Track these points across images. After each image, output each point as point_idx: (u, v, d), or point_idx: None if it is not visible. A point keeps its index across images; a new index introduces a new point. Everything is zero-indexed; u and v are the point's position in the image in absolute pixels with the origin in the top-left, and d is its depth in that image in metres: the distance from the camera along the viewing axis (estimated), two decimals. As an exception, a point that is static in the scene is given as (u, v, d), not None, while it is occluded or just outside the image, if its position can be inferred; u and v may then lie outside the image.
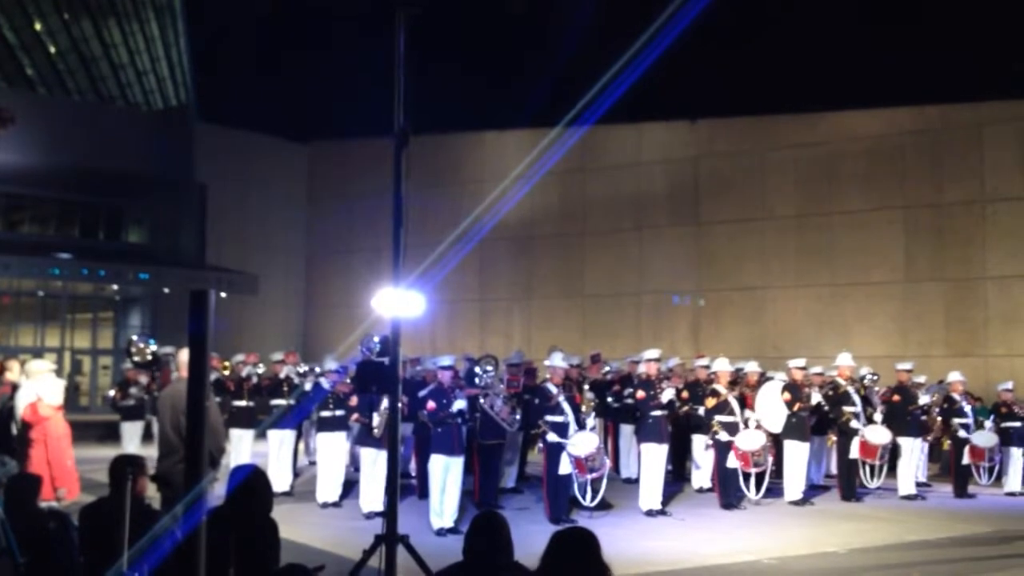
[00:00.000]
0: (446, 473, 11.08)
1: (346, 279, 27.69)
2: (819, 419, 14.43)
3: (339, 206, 27.82)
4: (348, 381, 12.61)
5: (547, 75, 18.01)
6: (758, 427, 13.44)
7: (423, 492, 12.46)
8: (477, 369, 12.90)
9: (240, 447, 14.24)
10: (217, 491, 6.00)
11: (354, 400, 12.31)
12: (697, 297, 21.61)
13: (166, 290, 26.71)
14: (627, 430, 15.21)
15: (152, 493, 6.87)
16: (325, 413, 12.83)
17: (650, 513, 12.38)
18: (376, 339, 8.76)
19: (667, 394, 12.66)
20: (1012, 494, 14.90)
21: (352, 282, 26.87)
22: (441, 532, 10.83)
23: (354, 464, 14.29)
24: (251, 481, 5.52)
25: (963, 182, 20.29)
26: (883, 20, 20.09)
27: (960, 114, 20.37)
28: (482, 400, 12.48)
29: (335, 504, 12.76)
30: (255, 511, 5.46)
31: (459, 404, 11.15)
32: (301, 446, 16.05)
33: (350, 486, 13.18)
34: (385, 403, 11.04)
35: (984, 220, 20.01)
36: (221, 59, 30.57)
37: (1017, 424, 14.60)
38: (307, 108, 26.21)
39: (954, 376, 15.59)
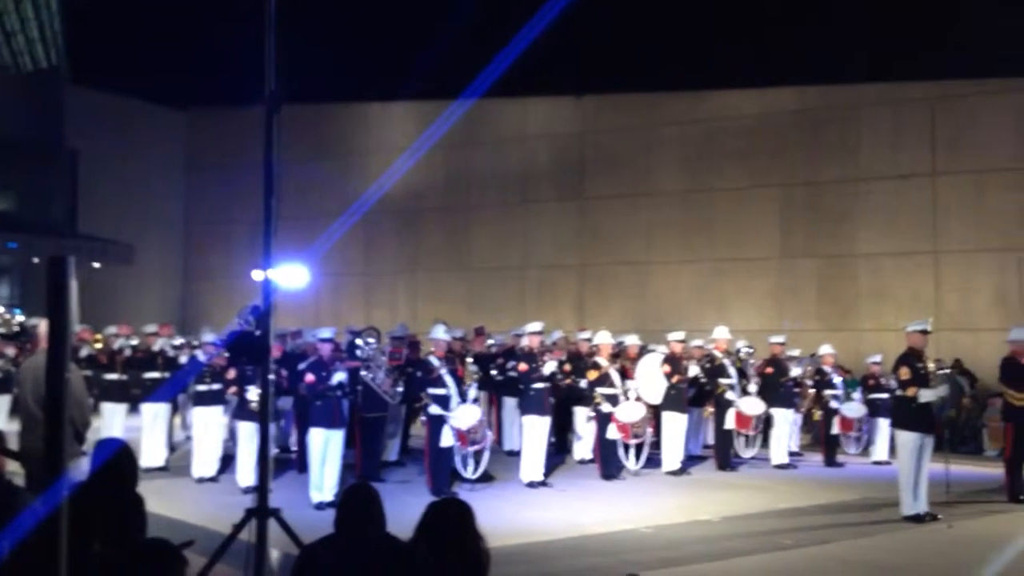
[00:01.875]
0: (326, 446, 10.97)
1: (226, 250, 27.10)
2: (697, 391, 14.75)
3: (219, 175, 27.14)
4: (225, 354, 12.35)
5: (433, 47, 17.82)
6: (638, 399, 13.67)
7: (304, 466, 12.31)
8: (359, 341, 12.79)
9: (113, 421, 13.87)
10: (83, 466, 5.81)
11: (232, 373, 12.08)
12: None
13: (35, 259, 25.70)
14: (510, 403, 15.29)
15: (16, 468, 6.61)
16: (201, 387, 12.59)
17: (532, 484, 12.49)
18: (258, 309, 8.58)
19: (549, 367, 12.77)
20: (878, 463, 15.50)
21: (232, 253, 26.32)
22: (320, 506, 10.71)
23: (232, 438, 14.03)
24: (117, 456, 5.36)
25: (838, 161, 20.90)
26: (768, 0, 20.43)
27: (838, 95, 20.94)
28: (364, 373, 12.39)
29: (211, 479, 12.53)
30: (121, 486, 5.30)
31: (339, 377, 11.05)
32: (177, 420, 15.70)
33: (229, 460, 12.95)
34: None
35: (857, 199, 20.66)
36: (96, 21, 29.38)
37: (884, 396, 15.15)
38: (186, 73, 25.39)
39: (825, 349, 16.11)
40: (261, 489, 6.72)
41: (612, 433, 13.36)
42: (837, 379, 16.05)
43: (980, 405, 17.52)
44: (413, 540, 4.27)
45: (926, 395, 10.93)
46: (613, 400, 13.47)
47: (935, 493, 11.00)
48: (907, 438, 10.98)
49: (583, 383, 13.98)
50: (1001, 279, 19.22)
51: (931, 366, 11.35)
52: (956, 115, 19.75)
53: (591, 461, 14.14)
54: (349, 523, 4.51)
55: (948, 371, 13.33)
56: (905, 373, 11.10)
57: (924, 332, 11.39)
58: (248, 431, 11.59)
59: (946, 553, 9.40)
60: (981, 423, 17.37)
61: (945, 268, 19.76)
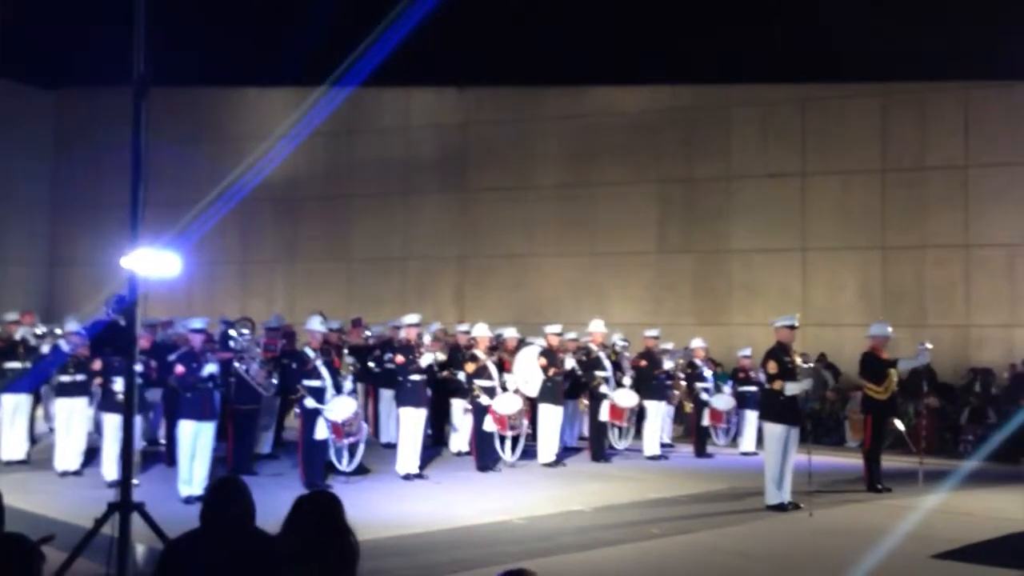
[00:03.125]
0: (195, 439, 10.75)
1: (95, 235, 26.14)
2: (573, 383, 14.93)
3: (88, 158, 26.16)
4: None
5: (312, 33, 17.54)
6: (515, 391, 13.78)
7: (173, 459, 12.01)
8: (232, 332, 12.55)
9: (-29, 413, 13.29)
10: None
11: (97, 364, 11.71)
12: None
13: None
14: (387, 395, 15.21)
15: None
16: (65, 377, 12.18)
17: (407, 477, 12.48)
18: (123, 299, 8.34)
19: (426, 359, 12.78)
20: (746, 454, 15.95)
21: (101, 239, 25.37)
22: (190, 500, 10.48)
23: (98, 430, 13.62)
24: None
25: (712, 159, 21.38)
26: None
27: (710, 95, 21.42)
28: (237, 364, 12.16)
29: (75, 473, 12.16)
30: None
31: (210, 368, 10.82)
32: (39, 412, 15.15)
33: (94, 454, 12.55)
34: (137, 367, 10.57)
35: (730, 196, 21.19)
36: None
37: (753, 389, 15.60)
38: (55, 52, 24.41)
39: (696, 343, 16.50)
40: (124, 482, 6.56)
41: (489, 425, 13.45)
42: (708, 372, 16.46)
43: (843, 398, 18.19)
44: (280, 534, 4.21)
45: (792, 388, 11.30)
46: (490, 392, 13.55)
47: (798, 483, 11.35)
48: (775, 430, 11.33)
49: (461, 375, 14.02)
50: (865, 276, 19.99)
51: (798, 360, 11.72)
52: (824, 117, 20.43)
53: (467, 453, 14.20)
54: (215, 517, 4.43)
55: (812, 365, 13.79)
56: (773, 367, 11.45)
57: (792, 327, 11.78)
58: (114, 423, 11.24)
59: (807, 540, 9.75)
60: (843, 415, 18.03)
61: (812, 265, 20.45)
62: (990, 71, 18.09)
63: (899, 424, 14.30)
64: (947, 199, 19.37)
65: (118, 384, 10.88)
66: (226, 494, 4.47)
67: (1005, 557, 9.00)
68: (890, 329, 13.21)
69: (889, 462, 13.47)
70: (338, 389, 11.83)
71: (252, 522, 4.50)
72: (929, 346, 12.93)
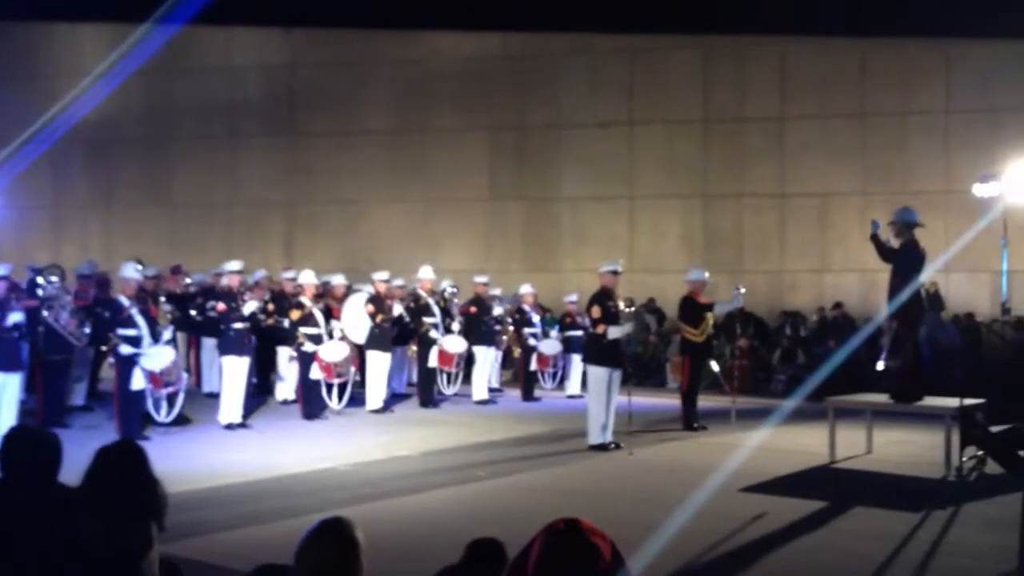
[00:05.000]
0: (1, 391, 10.22)
1: None
2: (401, 330, 14.89)
3: None
4: None
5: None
6: (342, 338, 13.65)
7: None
8: (40, 280, 11.94)
9: None
10: None
11: None
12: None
13: None
14: (209, 343, 14.81)
15: None
16: None
17: (231, 427, 12.25)
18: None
19: (249, 306, 12.50)
20: (573, 397, 16.28)
21: None
22: (-5, 455, 9.96)
23: None
24: None
25: (542, 108, 21.54)
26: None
27: (541, 44, 21.51)
28: (45, 312, 11.59)
29: None
30: None
31: (14, 317, 10.29)
32: None
33: None
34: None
35: (559, 144, 21.42)
36: None
37: (579, 333, 15.89)
38: None
39: (525, 288, 16.70)
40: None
41: (315, 373, 13.29)
42: (536, 318, 16.69)
43: (664, 341, 18.77)
44: (81, 485, 4.05)
45: (614, 332, 11.57)
46: (316, 340, 13.38)
47: (619, 423, 11.68)
48: (598, 373, 11.61)
49: (286, 323, 13.79)
50: (687, 223, 20.64)
51: (621, 305, 11.99)
52: (650, 68, 20.85)
53: (294, 402, 14.00)
54: (13, 466, 4.21)
55: (634, 309, 14.15)
56: (596, 312, 11.70)
57: (615, 272, 12.03)
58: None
59: (626, 478, 10.07)
60: (664, 358, 18.62)
61: (639, 212, 20.96)
62: (805, 27, 18.79)
63: (714, 365, 14.87)
64: (764, 150, 20.15)
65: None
66: (24, 441, 4.26)
67: (807, 489, 9.54)
68: (707, 274, 13.69)
69: (705, 402, 14.00)
70: (155, 338, 11.45)
71: (55, 473, 4.30)
72: (743, 290, 13.49)
